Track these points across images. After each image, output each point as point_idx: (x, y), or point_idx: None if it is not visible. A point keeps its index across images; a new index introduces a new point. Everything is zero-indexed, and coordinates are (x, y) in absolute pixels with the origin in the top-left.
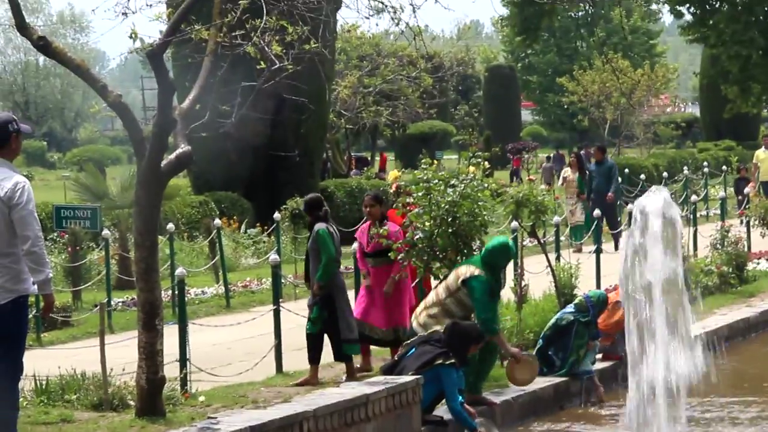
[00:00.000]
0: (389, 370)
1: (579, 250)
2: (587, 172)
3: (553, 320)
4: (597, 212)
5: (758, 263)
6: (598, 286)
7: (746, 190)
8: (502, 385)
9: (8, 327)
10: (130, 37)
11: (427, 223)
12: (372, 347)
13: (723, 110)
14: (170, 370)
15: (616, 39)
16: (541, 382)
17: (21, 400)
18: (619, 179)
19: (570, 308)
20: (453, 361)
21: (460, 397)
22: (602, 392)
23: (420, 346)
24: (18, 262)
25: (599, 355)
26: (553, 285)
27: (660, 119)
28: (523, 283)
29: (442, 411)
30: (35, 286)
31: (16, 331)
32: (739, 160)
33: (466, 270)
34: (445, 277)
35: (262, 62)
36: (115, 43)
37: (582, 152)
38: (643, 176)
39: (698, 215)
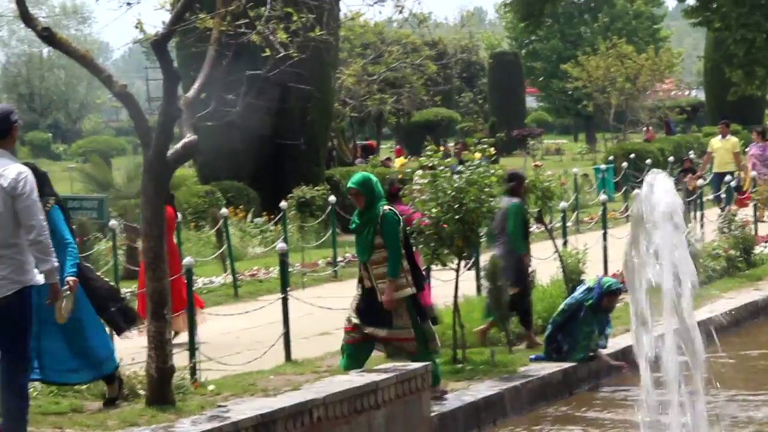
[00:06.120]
0: None
1: None
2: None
3: (561, 305)
4: None
5: (765, 247)
6: (606, 271)
7: (698, 181)
8: (511, 371)
9: (14, 318)
10: (136, 27)
11: (433, 210)
12: None
13: (727, 94)
14: (179, 359)
15: (619, 24)
16: (550, 368)
17: (31, 390)
18: None
19: (579, 291)
20: None
21: None
22: (624, 366)
23: None
24: (22, 252)
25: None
26: (560, 270)
27: (665, 104)
28: (530, 269)
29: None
30: (40, 276)
31: (23, 323)
32: (743, 144)
33: None
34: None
35: (267, 50)
36: (118, 33)
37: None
38: (649, 161)
39: (704, 200)
